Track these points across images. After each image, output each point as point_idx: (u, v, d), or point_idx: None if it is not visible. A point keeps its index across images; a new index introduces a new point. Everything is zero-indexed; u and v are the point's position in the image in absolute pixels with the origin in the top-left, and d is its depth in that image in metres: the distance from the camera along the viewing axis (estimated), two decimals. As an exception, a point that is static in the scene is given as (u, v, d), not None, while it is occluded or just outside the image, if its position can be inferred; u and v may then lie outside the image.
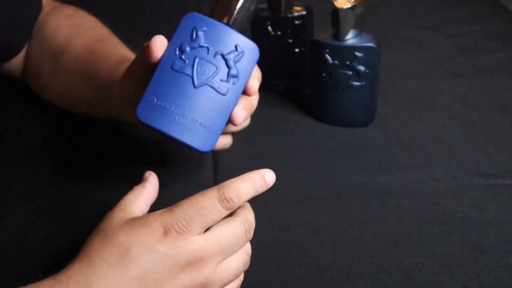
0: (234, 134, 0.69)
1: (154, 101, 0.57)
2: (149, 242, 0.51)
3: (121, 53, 0.74)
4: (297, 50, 0.89)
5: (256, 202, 0.73)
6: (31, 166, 0.78)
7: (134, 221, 0.53)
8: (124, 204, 0.57)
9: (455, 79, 0.93)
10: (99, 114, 0.76)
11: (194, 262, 0.51)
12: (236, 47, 0.58)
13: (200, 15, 0.59)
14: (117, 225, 0.53)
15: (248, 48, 0.59)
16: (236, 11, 0.59)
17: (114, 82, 0.67)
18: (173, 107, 0.57)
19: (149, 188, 0.60)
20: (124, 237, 0.51)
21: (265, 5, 0.87)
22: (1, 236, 0.68)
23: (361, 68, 0.79)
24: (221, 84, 0.58)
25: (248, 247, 0.57)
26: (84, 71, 0.74)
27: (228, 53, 0.58)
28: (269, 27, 0.87)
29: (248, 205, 0.58)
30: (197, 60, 0.57)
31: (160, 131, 0.57)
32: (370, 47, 0.78)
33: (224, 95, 0.58)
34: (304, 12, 0.86)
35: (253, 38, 0.89)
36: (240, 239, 0.54)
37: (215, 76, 0.57)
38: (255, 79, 0.61)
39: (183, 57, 0.57)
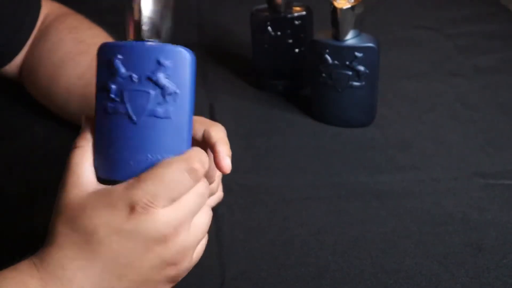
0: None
1: (104, 152, 0.52)
2: (115, 222, 0.49)
3: None
4: (297, 50, 0.89)
5: (256, 202, 0.73)
6: (31, 166, 0.78)
7: (95, 201, 0.50)
8: (74, 175, 0.52)
9: (455, 79, 0.93)
10: None
11: (166, 233, 0.50)
12: (159, 62, 0.50)
13: (112, 43, 0.52)
14: (77, 205, 0.50)
15: (175, 56, 0.51)
16: (143, 22, 0.52)
17: None
18: (123, 153, 0.51)
19: (89, 140, 0.54)
20: (88, 220, 0.49)
21: (265, 6, 0.87)
22: (1, 236, 0.69)
23: (361, 68, 0.79)
24: (160, 108, 0.51)
25: (206, 192, 0.54)
26: (86, 92, 0.73)
27: (153, 72, 0.50)
28: (269, 28, 0.87)
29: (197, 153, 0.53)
30: (125, 94, 0.51)
31: (121, 182, 0.51)
32: (370, 47, 0.78)
33: (169, 118, 0.51)
34: (304, 13, 0.87)
35: (253, 39, 0.90)
36: (205, 196, 0.53)
37: (150, 103, 0.51)
38: (226, 157, 0.56)
39: (111, 96, 0.51)
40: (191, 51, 0.51)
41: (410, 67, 0.97)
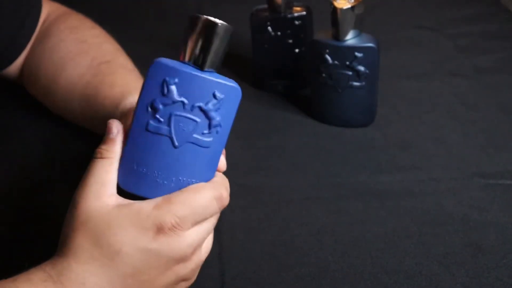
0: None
1: (134, 167, 0.52)
2: (141, 242, 0.50)
3: (125, 81, 0.72)
4: (297, 50, 0.89)
5: (256, 202, 0.73)
6: (31, 166, 0.78)
7: (122, 219, 0.50)
8: (97, 186, 0.51)
9: (455, 79, 0.93)
10: (96, 131, 0.76)
11: (187, 254, 0.52)
12: (214, 95, 0.51)
13: (169, 62, 0.51)
14: (102, 220, 0.50)
15: (228, 91, 0.52)
16: (209, 52, 0.52)
17: (116, 117, 0.65)
18: (155, 172, 0.52)
19: (118, 150, 0.53)
20: (114, 237, 0.49)
21: (265, 6, 0.87)
22: (1, 235, 0.69)
23: (361, 68, 0.79)
24: (203, 137, 0.52)
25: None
26: (87, 93, 0.73)
27: (207, 104, 0.51)
28: (269, 28, 0.87)
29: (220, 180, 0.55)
30: (173, 118, 0.51)
31: (146, 198, 0.52)
32: (370, 47, 0.78)
33: (208, 147, 0.53)
34: (304, 13, 0.87)
35: (253, 39, 0.90)
36: (218, 216, 0.55)
37: (195, 131, 0.52)
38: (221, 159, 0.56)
39: (157, 116, 0.51)
40: (239, 86, 0.53)
41: (410, 67, 0.97)
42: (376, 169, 0.77)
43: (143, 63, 0.80)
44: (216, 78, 0.52)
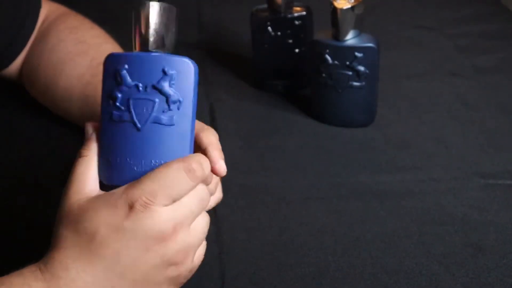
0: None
1: (109, 159, 0.53)
2: (114, 221, 0.50)
3: None
4: (297, 50, 0.89)
5: (256, 202, 0.73)
6: (32, 165, 0.78)
7: (96, 203, 0.51)
8: (78, 183, 0.53)
9: (455, 79, 0.93)
10: None
11: (165, 232, 0.51)
12: (164, 71, 0.52)
13: (118, 54, 0.54)
14: (79, 209, 0.51)
15: (180, 66, 0.53)
16: (150, 33, 0.53)
17: None
18: (127, 159, 0.53)
19: (95, 147, 0.55)
20: (89, 220, 0.50)
21: (265, 6, 0.87)
22: (1, 236, 0.69)
23: (361, 68, 0.79)
24: (164, 115, 0.53)
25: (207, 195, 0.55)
26: (86, 93, 0.73)
27: (159, 81, 0.52)
28: (269, 28, 0.87)
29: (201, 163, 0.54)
30: (131, 102, 0.53)
31: None
32: (370, 47, 0.78)
33: (173, 125, 0.53)
34: (304, 13, 0.87)
35: (253, 39, 0.90)
36: (206, 201, 0.54)
37: (155, 110, 0.53)
38: (219, 161, 0.56)
39: (117, 104, 0.53)
40: (194, 62, 0.53)
41: (410, 67, 0.97)
42: (376, 169, 0.77)
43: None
44: (162, 55, 0.53)
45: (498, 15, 1.10)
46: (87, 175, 0.54)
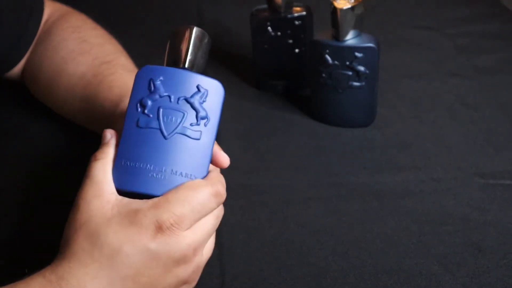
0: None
1: (127, 164, 0.54)
2: (140, 241, 0.50)
3: (124, 82, 0.72)
4: (297, 50, 0.89)
5: (256, 202, 0.73)
6: (32, 166, 0.78)
7: (121, 217, 0.50)
8: (96, 186, 0.53)
9: (455, 79, 0.93)
10: (96, 131, 0.76)
11: (187, 255, 0.51)
12: (198, 87, 0.55)
13: (154, 66, 0.56)
14: (101, 219, 0.51)
15: (211, 86, 0.56)
16: (189, 53, 0.57)
17: (115, 119, 0.66)
18: (147, 165, 0.53)
19: (112, 151, 0.55)
20: (113, 236, 0.50)
21: (265, 6, 0.87)
22: (1, 236, 0.69)
23: (361, 68, 0.79)
24: (192, 129, 0.55)
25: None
26: (87, 93, 0.73)
27: (192, 96, 0.55)
28: (269, 28, 0.87)
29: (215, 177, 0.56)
30: (161, 111, 0.54)
31: (141, 194, 0.53)
32: (369, 47, 0.78)
33: (198, 139, 0.55)
34: (304, 13, 0.86)
35: (253, 39, 0.90)
36: (220, 218, 0.55)
37: (183, 122, 0.55)
38: (220, 151, 0.58)
39: (146, 111, 0.55)
40: (222, 85, 0.56)
41: (410, 67, 0.97)
42: (376, 169, 0.77)
43: (143, 63, 0.81)
44: (198, 74, 0.56)
45: (498, 15, 1.10)
46: (105, 177, 0.53)
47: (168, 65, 0.57)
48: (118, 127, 0.61)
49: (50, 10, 0.82)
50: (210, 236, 0.54)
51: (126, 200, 0.52)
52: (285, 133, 0.85)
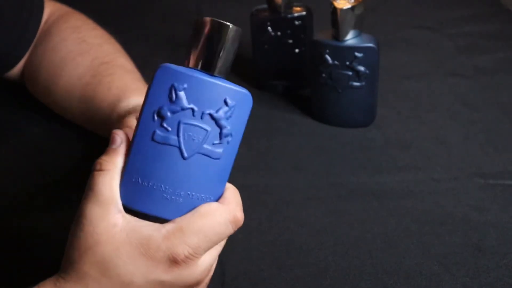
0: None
1: (138, 181, 0.48)
2: (153, 275, 0.47)
3: (123, 82, 0.72)
4: (297, 50, 0.89)
5: (256, 202, 0.73)
6: (32, 166, 0.78)
7: (131, 247, 0.47)
8: (102, 205, 0.48)
9: (455, 79, 0.93)
10: (95, 132, 0.76)
11: (201, 279, 0.50)
12: (225, 101, 0.48)
13: (177, 68, 0.48)
14: (108, 246, 0.47)
15: (239, 98, 0.49)
16: (219, 56, 0.49)
17: (112, 121, 0.66)
18: (162, 186, 0.48)
19: (120, 161, 0.49)
20: (124, 268, 0.47)
21: (265, 6, 0.87)
22: (1, 236, 0.69)
23: (361, 68, 0.79)
24: (214, 148, 0.49)
25: None
26: (85, 94, 0.73)
27: (217, 111, 0.48)
28: (269, 28, 0.87)
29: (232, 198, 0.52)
30: (182, 126, 0.48)
31: (153, 216, 0.49)
32: (369, 47, 0.78)
33: (218, 159, 0.49)
34: (304, 13, 0.87)
35: (253, 39, 0.90)
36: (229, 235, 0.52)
37: (206, 141, 0.48)
38: None
39: (164, 124, 0.48)
40: (251, 94, 0.50)
41: (410, 67, 0.97)
42: (376, 169, 0.77)
43: (143, 63, 0.81)
44: (227, 84, 0.49)
45: (498, 15, 1.10)
46: (112, 194, 0.48)
47: (193, 66, 0.49)
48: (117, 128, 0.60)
49: (50, 10, 0.82)
50: (219, 253, 0.52)
51: (133, 222, 0.48)
52: (285, 133, 0.85)
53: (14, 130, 0.84)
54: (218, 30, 0.49)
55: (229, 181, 0.54)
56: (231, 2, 1.15)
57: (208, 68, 0.49)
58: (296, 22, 0.87)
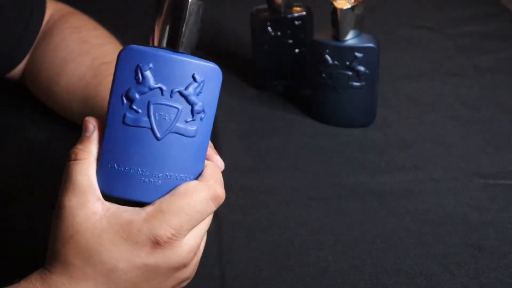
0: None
1: (114, 167, 0.48)
2: (137, 258, 0.47)
3: None
4: (297, 50, 0.89)
5: (256, 202, 0.73)
6: (32, 166, 0.78)
7: (113, 234, 0.47)
8: (79, 194, 0.47)
9: (455, 79, 0.93)
10: None
11: (187, 260, 0.50)
12: (194, 77, 0.47)
13: (141, 48, 0.47)
14: (89, 234, 0.47)
15: (208, 72, 0.48)
16: (183, 32, 0.48)
17: None
18: (138, 169, 0.47)
19: (94, 149, 0.49)
20: (107, 254, 0.47)
21: (265, 6, 0.87)
22: (1, 236, 0.69)
23: (361, 68, 0.79)
24: (187, 126, 0.48)
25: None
26: (86, 94, 0.73)
27: (187, 88, 0.47)
28: (269, 28, 0.87)
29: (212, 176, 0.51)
30: (152, 106, 0.47)
31: (132, 200, 0.48)
32: (369, 47, 0.78)
33: (193, 136, 0.48)
34: (304, 13, 0.87)
35: (253, 39, 0.90)
36: (212, 213, 0.52)
37: (178, 119, 0.47)
38: (215, 155, 0.53)
39: (134, 106, 0.47)
40: (219, 68, 0.49)
41: (410, 67, 0.97)
42: (376, 169, 0.77)
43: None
44: (194, 59, 0.48)
45: (498, 15, 1.10)
46: (90, 183, 0.48)
47: (158, 45, 0.48)
48: None
49: (51, 10, 0.82)
50: (205, 233, 0.51)
51: (113, 208, 0.48)
52: (285, 133, 0.85)
53: (14, 130, 0.84)
54: (179, 5, 0.48)
55: (229, 180, 0.54)
56: (231, 2, 1.15)
57: (172, 45, 0.48)
58: (296, 22, 0.87)
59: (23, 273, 0.62)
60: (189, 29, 0.48)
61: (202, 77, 0.48)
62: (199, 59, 0.48)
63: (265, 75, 0.93)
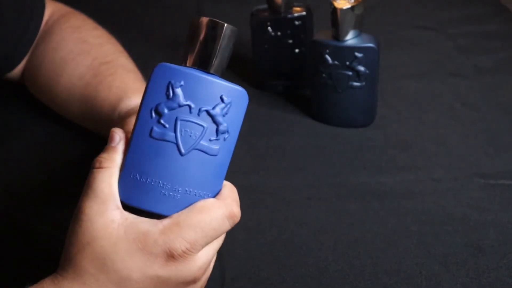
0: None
1: (136, 177, 0.49)
2: (151, 270, 0.48)
3: (124, 82, 0.72)
4: (297, 50, 0.89)
5: (256, 202, 0.73)
6: (32, 166, 0.78)
7: (128, 242, 0.47)
8: (100, 201, 0.48)
9: (455, 79, 0.93)
10: (96, 132, 0.76)
11: (198, 275, 0.50)
12: (221, 98, 0.50)
13: (174, 66, 0.50)
14: (106, 241, 0.47)
15: (235, 95, 0.50)
16: (215, 54, 0.51)
17: (113, 121, 0.66)
18: (160, 182, 0.49)
19: (119, 159, 0.50)
20: (121, 264, 0.47)
21: (265, 6, 0.87)
22: (1, 236, 0.69)
23: (361, 68, 0.79)
24: (210, 144, 0.50)
25: None
26: (86, 94, 0.73)
27: (214, 108, 0.49)
28: (269, 28, 0.87)
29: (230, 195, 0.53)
30: (179, 122, 0.49)
31: (150, 212, 0.49)
32: (370, 47, 0.78)
33: (215, 155, 0.50)
34: (304, 13, 0.87)
35: (253, 39, 0.90)
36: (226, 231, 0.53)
37: (202, 137, 0.49)
38: None
39: (161, 121, 0.49)
40: (246, 92, 0.51)
41: (410, 67, 0.97)
42: (376, 169, 0.77)
43: (143, 63, 0.81)
44: (223, 81, 0.50)
45: (498, 15, 1.10)
46: (111, 191, 0.49)
47: (190, 65, 0.51)
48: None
49: (51, 10, 0.82)
50: (216, 250, 0.52)
51: (131, 218, 0.49)
52: (285, 133, 0.85)
53: (15, 130, 0.84)
54: (214, 29, 0.50)
55: (229, 180, 0.54)
56: (231, 2, 1.15)
57: (204, 66, 0.51)
58: (296, 22, 0.87)
59: (24, 269, 0.62)
60: (221, 52, 0.51)
61: (229, 98, 0.50)
62: (228, 81, 0.51)
63: (265, 75, 0.93)
